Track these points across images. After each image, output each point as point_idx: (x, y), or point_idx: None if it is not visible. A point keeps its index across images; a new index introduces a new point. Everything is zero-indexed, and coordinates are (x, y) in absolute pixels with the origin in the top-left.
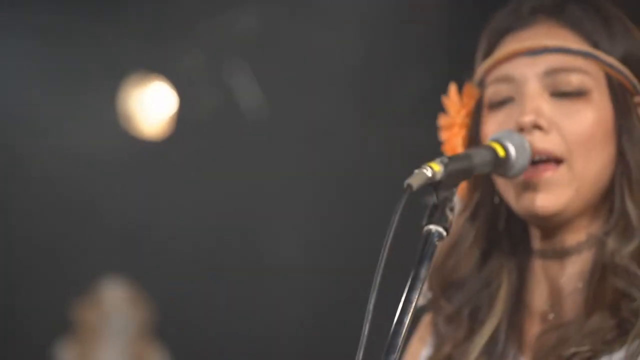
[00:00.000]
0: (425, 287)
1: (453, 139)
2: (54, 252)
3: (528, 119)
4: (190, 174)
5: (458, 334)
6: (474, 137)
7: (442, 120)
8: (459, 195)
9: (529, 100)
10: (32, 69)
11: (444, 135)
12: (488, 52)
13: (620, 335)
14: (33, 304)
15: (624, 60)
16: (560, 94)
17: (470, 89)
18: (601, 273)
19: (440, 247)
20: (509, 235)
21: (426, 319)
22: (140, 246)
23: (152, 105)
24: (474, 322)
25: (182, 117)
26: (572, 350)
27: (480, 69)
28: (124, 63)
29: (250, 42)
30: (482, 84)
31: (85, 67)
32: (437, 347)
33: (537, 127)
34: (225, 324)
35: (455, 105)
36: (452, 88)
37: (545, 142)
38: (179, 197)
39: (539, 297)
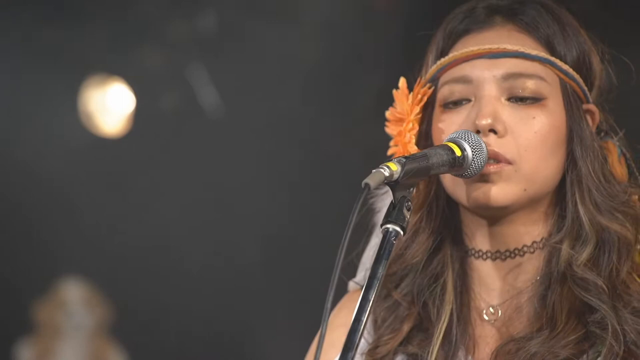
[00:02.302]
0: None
1: (403, 134)
2: (14, 251)
3: (485, 122)
4: (150, 172)
5: (403, 325)
6: (424, 134)
7: (391, 114)
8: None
9: (486, 103)
10: None
11: (391, 130)
12: (443, 52)
13: (587, 347)
14: None
15: (577, 67)
16: (517, 99)
17: (423, 85)
18: (559, 281)
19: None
20: (453, 233)
21: (350, 298)
22: (100, 245)
23: (112, 104)
24: (423, 318)
25: (142, 116)
26: None
27: (433, 67)
28: (85, 63)
29: (208, 41)
30: (435, 82)
31: (46, 67)
32: (377, 337)
33: (493, 130)
34: (184, 323)
35: (405, 100)
36: (402, 82)
37: (499, 146)
38: (138, 196)
39: (481, 296)
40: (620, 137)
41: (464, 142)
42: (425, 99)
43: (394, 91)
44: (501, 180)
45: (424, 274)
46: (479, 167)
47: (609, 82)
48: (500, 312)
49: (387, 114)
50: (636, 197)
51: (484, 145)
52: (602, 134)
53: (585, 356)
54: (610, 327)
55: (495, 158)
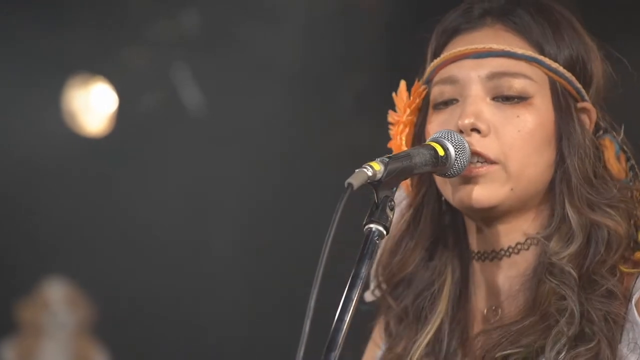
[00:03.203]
0: (373, 285)
1: (397, 136)
2: None
3: (467, 121)
4: (133, 171)
5: (409, 333)
6: (419, 135)
7: (391, 117)
8: (406, 192)
9: (470, 103)
10: None
11: (392, 132)
12: (437, 52)
13: (545, 334)
14: None
15: (570, 66)
16: (502, 98)
17: (418, 87)
18: (540, 275)
19: (385, 244)
20: (454, 234)
21: (379, 324)
22: (83, 245)
23: (95, 104)
24: (419, 322)
25: (126, 116)
26: (508, 351)
27: (429, 68)
28: (68, 63)
29: (191, 41)
30: (429, 83)
31: (29, 67)
32: (390, 347)
33: (475, 130)
34: (166, 322)
35: (402, 103)
36: (402, 86)
37: (482, 146)
38: (121, 195)
39: (481, 297)
40: (621, 134)
41: (446, 141)
42: (418, 100)
43: (394, 94)
44: (487, 182)
45: (421, 280)
46: (462, 167)
47: (610, 81)
48: (500, 311)
49: (388, 117)
50: (636, 193)
51: (466, 144)
52: (601, 131)
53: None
54: (567, 310)
55: (479, 157)
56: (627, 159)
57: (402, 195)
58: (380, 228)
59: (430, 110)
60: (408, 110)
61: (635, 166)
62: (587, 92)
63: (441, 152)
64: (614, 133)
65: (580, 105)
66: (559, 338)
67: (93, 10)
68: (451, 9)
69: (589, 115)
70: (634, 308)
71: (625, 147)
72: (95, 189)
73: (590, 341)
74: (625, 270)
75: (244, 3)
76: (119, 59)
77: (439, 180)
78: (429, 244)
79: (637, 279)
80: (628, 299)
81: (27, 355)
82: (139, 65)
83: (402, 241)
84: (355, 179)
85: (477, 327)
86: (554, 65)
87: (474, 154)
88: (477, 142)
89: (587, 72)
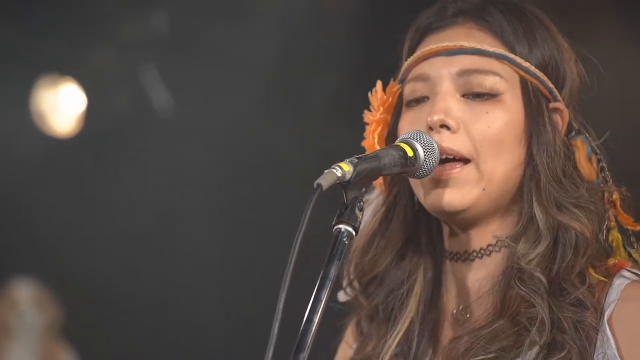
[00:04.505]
0: (345, 283)
1: (370, 135)
2: None
3: (436, 117)
4: (101, 172)
5: (379, 332)
6: (393, 134)
7: (366, 117)
8: (380, 189)
9: (440, 99)
10: None
11: (366, 132)
12: (410, 51)
13: (518, 342)
14: None
15: (542, 66)
16: (472, 95)
17: (393, 87)
18: (509, 278)
19: (357, 242)
20: (427, 234)
21: (352, 322)
22: (50, 246)
23: (64, 104)
24: (390, 321)
25: (94, 116)
26: (480, 357)
27: (402, 67)
28: (37, 63)
29: (161, 41)
30: (403, 82)
31: None
32: (360, 346)
33: (444, 126)
34: (135, 323)
35: (377, 102)
36: (378, 85)
37: (452, 142)
38: (89, 195)
39: (451, 297)
40: (594, 135)
41: (415, 142)
42: (391, 99)
43: (369, 94)
44: (459, 184)
45: (392, 278)
46: (431, 167)
47: (585, 83)
48: (469, 311)
49: (364, 117)
50: (606, 194)
51: (435, 145)
52: (573, 132)
53: (522, 347)
54: (538, 319)
55: (449, 153)
56: (599, 161)
57: (376, 193)
58: (349, 229)
59: (404, 108)
60: (381, 109)
61: (606, 167)
62: (561, 92)
63: (410, 153)
64: (587, 134)
65: (552, 105)
66: (531, 347)
67: (62, 11)
68: (426, 7)
69: (562, 115)
70: (606, 325)
71: (597, 149)
72: (64, 189)
73: (562, 349)
74: (595, 276)
75: (214, 3)
76: (87, 60)
77: (412, 182)
78: (401, 244)
79: (608, 291)
80: (600, 312)
81: None
82: (108, 65)
83: (373, 239)
84: (325, 180)
85: (446, 327)
86: (525, 64)
87: (444, 151)
88: (447, 139)
89: (560, 73)
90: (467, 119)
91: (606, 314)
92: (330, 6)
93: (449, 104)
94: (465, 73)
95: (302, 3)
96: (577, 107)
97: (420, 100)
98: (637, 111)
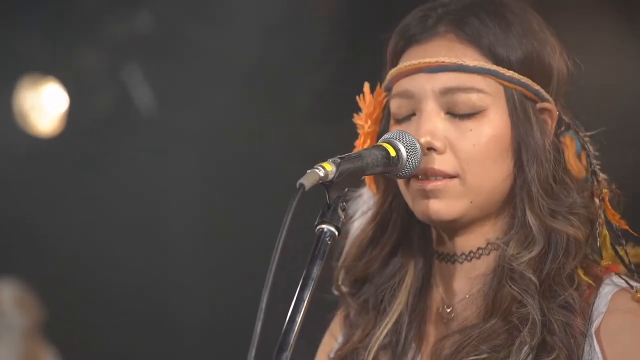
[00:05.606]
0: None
1: (360, 147)
2: None
3: (423, 140)
4: (84, 172)
5: (367, 324)
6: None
7: (356, 119)
8: (372, 192)
9: (425, 120)
10: None
11: (357, 142)
12: (394, 61)
13: (509, 341)
14: None
15: (525, 67)
16: (456, 113)
17: (380, 94)
18: (500, 277)
19: (350, 249)
20: (421, 235)
21: (339, 314)
22: (33, 245)
23: (46, 104)
24: (379, 313)
25: (77, 116)
26: (472, 357)
27: (387, 76)
28: (19, 63)
29: (144, 41)
30: (389, 91)
31: None
32: (348, 337)
33: (431, 149)
34: (118, 323)
35: (365, 106)
36: (366, 88)
37: (440, 164)
38: (71, 195)
39: (439, 296)
40: (583, 130)
41: (398, 142)
42: (378, 111)
43: (357, 97)
44: (445, 196)
45: (383, 277)
46: (413, 167)
47: (570, 75)
48: (455, 311)
49: (354, 119)
50: (596, 192)
51: (418, 145)
52: (562, 128)
53: (512, 347)
54: (530, 319)
55: (438, 174)
56: (588, 156)
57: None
58: (332, 228)
59: (392, 121)
60: (369, 122)
61: (594, 163)
62: (547, 88)
63: (393, 153)
64: (576, 128)
65: (539, 106)
66: (522, 347)
67: (44, 10)
68: (407, 8)
69: (550, 114)
70: (594, 337)
71: (586, 145)
72: (46, 189)
73: (552, 351)
74: (584, 279)
75: (197, 3)
76: (70, 59)
77: (400, 186)
78: (395, 243)
79: (597, 295)
80: (588, 318)
81: None
82: (90, 65)
83: (368, 247)
84: (307, 180)
85: (431, 324)
86: (508, 73)
87: (434, 173)
88: (435, 161)
89: (545, 68)
90: (452, 138)
91: (594, 325)
92: (313, 6)
93: (434, 123)
94: (448, 91)
95: (285, 3)
96: (565, 103)
97: (406, 118)
98: (632, 104)
